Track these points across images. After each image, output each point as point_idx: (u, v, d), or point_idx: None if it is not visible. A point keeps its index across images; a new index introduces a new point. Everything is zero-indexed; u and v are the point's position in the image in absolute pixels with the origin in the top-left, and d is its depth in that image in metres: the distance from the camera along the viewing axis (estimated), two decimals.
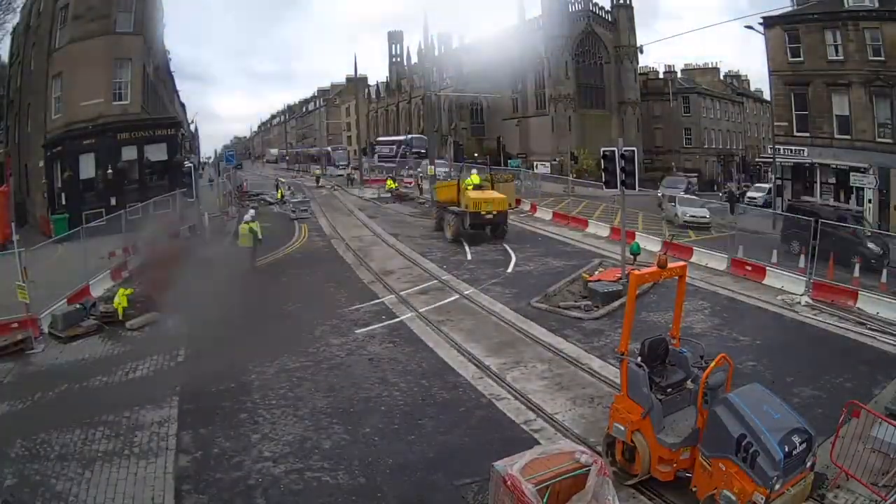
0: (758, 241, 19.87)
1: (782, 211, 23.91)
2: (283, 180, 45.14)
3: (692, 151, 58.46)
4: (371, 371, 10.66)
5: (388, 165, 50.53)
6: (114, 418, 8.96)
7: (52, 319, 13.05)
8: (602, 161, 16.16)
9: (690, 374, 7.20)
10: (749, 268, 16.59)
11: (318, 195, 39.35)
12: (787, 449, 5.82)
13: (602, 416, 8.70)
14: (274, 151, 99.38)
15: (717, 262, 17.59)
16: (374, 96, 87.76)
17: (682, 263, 8.39)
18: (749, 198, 32.96)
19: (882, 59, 25.09)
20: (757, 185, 35.97)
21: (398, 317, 13.61)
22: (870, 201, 25.60)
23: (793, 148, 28.83)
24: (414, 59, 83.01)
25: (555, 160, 49.80)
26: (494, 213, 21.45)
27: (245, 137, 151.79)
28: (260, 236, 18.84)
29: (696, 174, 47.92)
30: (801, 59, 27.81)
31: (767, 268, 16.25)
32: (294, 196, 34.70)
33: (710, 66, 64.77)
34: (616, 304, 13.65)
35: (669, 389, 7.10)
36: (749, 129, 64.85)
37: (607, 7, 57.45)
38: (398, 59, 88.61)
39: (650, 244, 20.14)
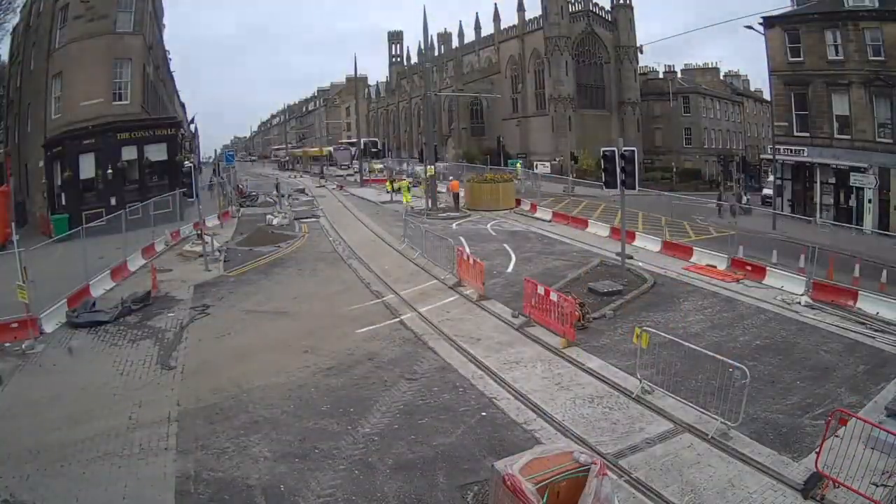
0: (758, 241, 19.93)
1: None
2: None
3: (692, 151, 58.51)
4: (371, 370, 10.65)
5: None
6: (113, 418, 8.96)
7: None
8: (602, 161, 16.16)
9: None
10: (749, 267, 16.58)
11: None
12: None
13: (601, 415, 8.72)
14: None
15: (717, 261, 17.58)
16: (373, 96, 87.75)
17: None
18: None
19: (882, 59, 25.12)
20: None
21: (398, 316, 13.61)
22: (870, 201, 25.63)
23: (793, 148, 28.87)
24: (414, 59, 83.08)
25: (555, 160, 49.86)
26: None
27: (245, 137, 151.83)
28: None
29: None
30: (801, 59, 27.86)
31: (767, 267, 16.26)
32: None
33: (709, 65, 64.88)
34: (617, 303, 13.68)
35: None
36: (749, 129, 64.88)
37: (607, 7, 57.52)
38: (398, 59, 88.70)
39: (650, 244, 20.18)
